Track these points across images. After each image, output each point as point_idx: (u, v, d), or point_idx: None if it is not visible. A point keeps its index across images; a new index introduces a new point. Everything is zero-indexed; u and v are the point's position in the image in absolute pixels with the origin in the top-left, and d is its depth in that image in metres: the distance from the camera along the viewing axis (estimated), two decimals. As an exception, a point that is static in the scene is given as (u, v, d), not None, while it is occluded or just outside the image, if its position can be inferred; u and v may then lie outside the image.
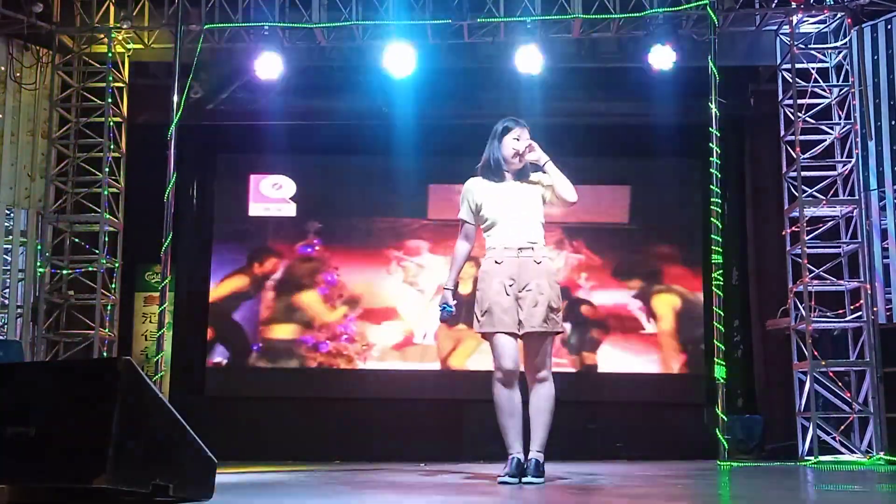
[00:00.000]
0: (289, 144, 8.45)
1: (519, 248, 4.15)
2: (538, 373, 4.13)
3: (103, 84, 7.57)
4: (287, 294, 8.62)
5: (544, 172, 4.27)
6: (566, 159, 8.71)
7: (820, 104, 7.20)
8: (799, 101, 7.09)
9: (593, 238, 8.55)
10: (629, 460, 6.82)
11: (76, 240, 7.56)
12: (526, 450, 4.09)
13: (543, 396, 4.15)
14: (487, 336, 4.14)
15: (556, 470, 4.94)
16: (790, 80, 7.13)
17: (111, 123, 7.55)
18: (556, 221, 8.42)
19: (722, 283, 6.80)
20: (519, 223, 4.19)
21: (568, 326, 8.37)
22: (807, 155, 7.10)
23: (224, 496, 3.11)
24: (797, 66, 7.10)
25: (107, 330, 7.44)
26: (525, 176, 4.31)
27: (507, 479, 4.01)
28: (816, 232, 7.03)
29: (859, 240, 6.95)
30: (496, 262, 4.15)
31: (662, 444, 7.77)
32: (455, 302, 4.25)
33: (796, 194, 6.99)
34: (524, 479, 3.98)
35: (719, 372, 6.61)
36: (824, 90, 7.22)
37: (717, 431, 6.49)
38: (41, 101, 7.64)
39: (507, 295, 4.09)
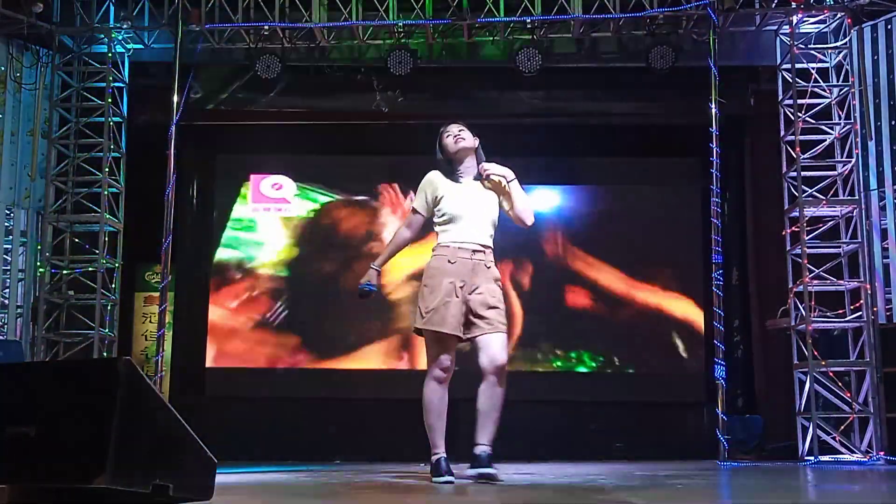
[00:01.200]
0: (289, 144, 8.44)
1: (473, 251, 4.16)
2: (500, 372, 4.12)
3: (103, 84, 7.58)
4: (287, 294, 8.61)
5: (507, 191, 4.24)
6: (566, 159, 8.78)
7: (820, 104, 7.20)
8: (799, 101, 7.09)
9: (593, 238, 8.53)
10: (629, 460, 6.82)
11: (76, 240, 7.56)
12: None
13: (498, 394, 4.14)
14: (429, 333, 4.13)
15: (556, 470, 4.95)
16: (790, 80, 7.13)
17: (111, 123, 7.56)
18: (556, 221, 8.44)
19: (722, 283, 6.80)
20: (476, 224, 4.20)
21: (567, 326, 8.37)
22: (807, 155, 7.11)
23: (224, 496, 3.11)
24: (797, 66, 7.10)
25: (107, 330, 7.44)
26: (481, 177, 4.32)
27: (447, 478, 4.07)
28: (816, 232, 7.03)
29: (859, 240, 6.96)
30: (449, 261, 4.14)
31: (662, 444, 7.76)
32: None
33: (796, 194, 7.00)
34: (482, 471, 4.00)
35: (719, 372, 6.61)
36: (824, 90, 7.22)
37: (717, 431, 6.49)
38: (41, 101, 7.64)
39: (457, 297, 4.09)
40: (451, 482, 4.05)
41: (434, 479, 4.12)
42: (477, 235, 4.18)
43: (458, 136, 4.32)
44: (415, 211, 4.34)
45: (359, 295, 4.31)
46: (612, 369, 8.44)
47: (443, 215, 4.23)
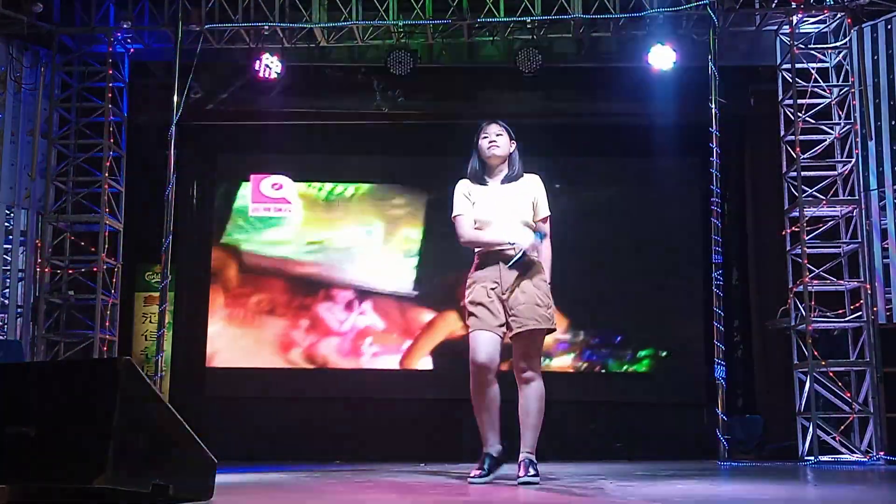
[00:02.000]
0: (289, 144, 8.45)
1: (502, 251, 4.17)
2: (524, 372, 4.14)
3: (103, 84, 7.58)
4: (287, 293, 8.61)
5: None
6: (566, 159, 8.77)
7: (820, 104, 7.19)
8: (799, 101, 7.09)
9: (592, 238, 8.51)
10: (629, 460, 6.82)
11: (76, 240, 7.56)
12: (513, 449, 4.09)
13: (531, 397, 4.14)
14: (470, 334, 4.16)
15: (556, 470, 4.95)
16: (790, 80, 7.13)
17: (111, 123, 7.56)
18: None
19: (722, 283, 6.80)
20: (506, 226, 4.20)
21: (568, 326, 8.37)
22: (807, 155, 7.10)
23: (224, 496, 3.12)
24: (797, 66, 7.10)
25: (107, 330, 7.44)
26: (512, 178, 4.32)
27: (476, 479, 4.05)
28: (816, 232, 7.03)
29: (859, 240, 6.95)
30: (480, 266, 4.21)
31: (662, 444, 7.75)
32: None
33: (796, 194, 6.99)
34: (520, 480, 3.98)
35: (719, 372, 6.61)
36: (824, 90, 7.22)
37: (717, 431, 6.49)
38: (41, 101, 7.64)
39: (489, 297, 4.12)
40: (475, 479, 4.02)
41: (470, 478, 4.12)
42: (508, 236, 4.19)
43: (494, 143, 4.31)
44: (458, 215, 4.28)
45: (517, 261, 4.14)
46: (612, 369, 8.44)
47: (475, 223, 4.26)
